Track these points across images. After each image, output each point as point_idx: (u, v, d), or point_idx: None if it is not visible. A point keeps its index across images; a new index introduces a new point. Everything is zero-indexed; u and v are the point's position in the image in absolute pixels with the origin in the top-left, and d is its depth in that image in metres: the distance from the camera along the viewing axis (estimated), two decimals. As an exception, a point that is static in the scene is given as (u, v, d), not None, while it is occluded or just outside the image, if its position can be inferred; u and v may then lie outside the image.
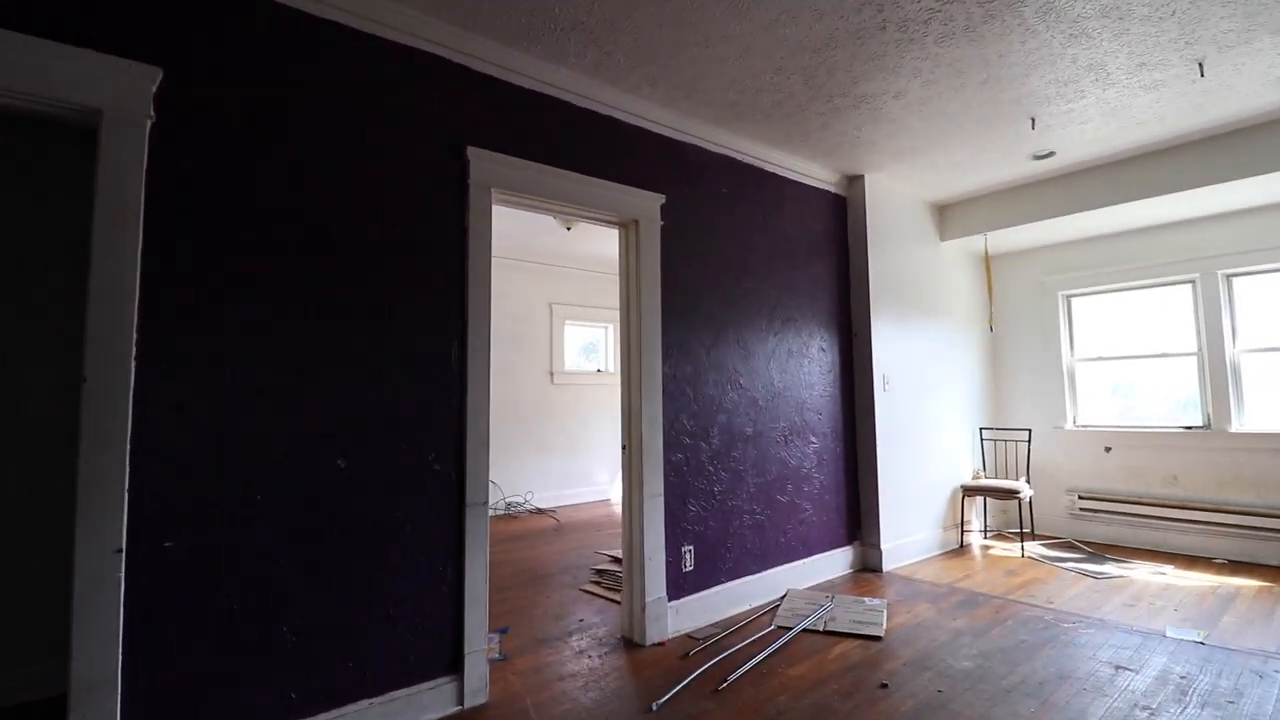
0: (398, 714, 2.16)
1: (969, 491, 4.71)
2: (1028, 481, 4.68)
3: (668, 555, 3.04)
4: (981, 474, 5.06)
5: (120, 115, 1.75)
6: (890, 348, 4.27)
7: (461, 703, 2.31)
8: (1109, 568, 4.04)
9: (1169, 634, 2.92)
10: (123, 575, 1.70)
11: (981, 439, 5.14)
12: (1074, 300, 5.15)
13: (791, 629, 3.02)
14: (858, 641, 2.90)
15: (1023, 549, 4.55)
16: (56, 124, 2.27)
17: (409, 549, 2.26)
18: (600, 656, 2.76)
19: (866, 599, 3.40)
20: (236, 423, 1.94)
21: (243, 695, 1.90)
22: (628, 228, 3.10)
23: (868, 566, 4.09)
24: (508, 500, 6.15)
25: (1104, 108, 3.20)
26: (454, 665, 2.32)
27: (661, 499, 3.01)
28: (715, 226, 3.44)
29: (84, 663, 1.63)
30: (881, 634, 2.95)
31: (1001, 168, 4.06)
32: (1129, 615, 3.18)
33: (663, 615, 2.96)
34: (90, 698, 1.63)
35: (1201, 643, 2.81)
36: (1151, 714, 2.21)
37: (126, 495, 1.72)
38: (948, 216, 4.84)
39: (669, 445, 3.10)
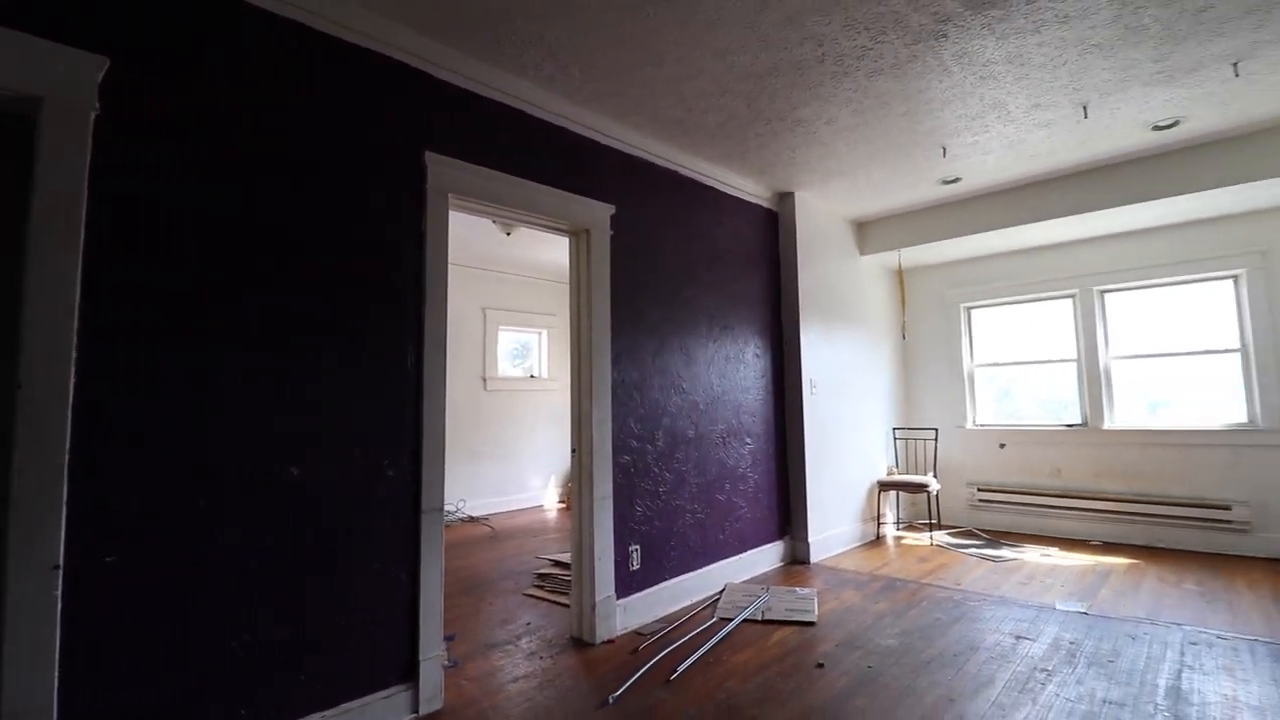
0: (354, 724, 2.12)
1: (884, 486, 5.10)
2: (935, 476, 5.12)
3: (616, 555, 3.13)
4: (895, 470, 5.47)
5: (61, 104, 1.65)
6: (816, 354, 4.56)
7: (416, 710, 2.29)
8: (1005, 552, 4.50)
9: (1058, 607, 3.31)
10: (59, 594, 1.60)
11: (895, 438, 5.57)
12: (973, 311, 5.68)
13: (733, 619, 3.18)
14: (794, 628, 3.09)
15: (931, 538, 4.97)
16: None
17: (364, 557, 2.22)
18: (552, 657, 2.81)
19: (798, 589, 3.63)
20: (183, 430, 1.86)
21: (192, 718, 1.82)
22: (579, 236, 3.16)
23: (797, 559, 4.34)
24: (439, 507, 6.00)
25: (1004, 141, 3.60)
26: (408, 673, 2.30)
27: (610, 500, 3.09)
28: (661, 237, 3.57)
29: (16, 691, 1.52)
30: (814, 620, 3.17)
31: (915, 190, 4.44)
32: (1024, 592, 3.57)
33: (611, 613, 3.04)
34: (24, 727, 1.52)
35: (1085, 613, 3.21)
36: (1049, 674, 2.53)
37: (65, 508, 1.62)
38: (867, 233, 5.22)
39: (617, 448, 3.19)
